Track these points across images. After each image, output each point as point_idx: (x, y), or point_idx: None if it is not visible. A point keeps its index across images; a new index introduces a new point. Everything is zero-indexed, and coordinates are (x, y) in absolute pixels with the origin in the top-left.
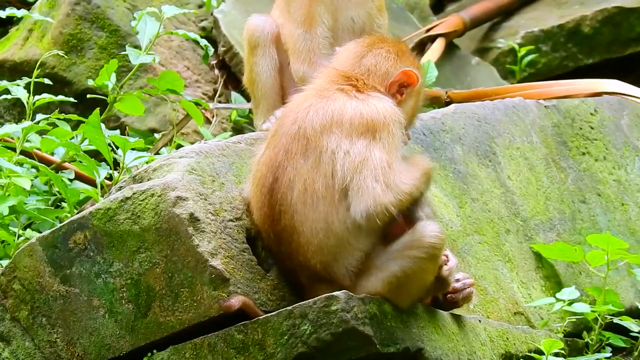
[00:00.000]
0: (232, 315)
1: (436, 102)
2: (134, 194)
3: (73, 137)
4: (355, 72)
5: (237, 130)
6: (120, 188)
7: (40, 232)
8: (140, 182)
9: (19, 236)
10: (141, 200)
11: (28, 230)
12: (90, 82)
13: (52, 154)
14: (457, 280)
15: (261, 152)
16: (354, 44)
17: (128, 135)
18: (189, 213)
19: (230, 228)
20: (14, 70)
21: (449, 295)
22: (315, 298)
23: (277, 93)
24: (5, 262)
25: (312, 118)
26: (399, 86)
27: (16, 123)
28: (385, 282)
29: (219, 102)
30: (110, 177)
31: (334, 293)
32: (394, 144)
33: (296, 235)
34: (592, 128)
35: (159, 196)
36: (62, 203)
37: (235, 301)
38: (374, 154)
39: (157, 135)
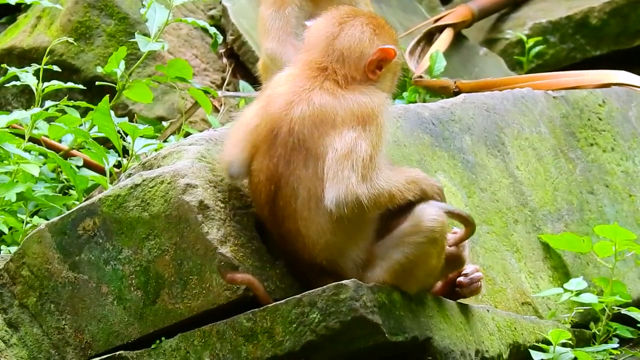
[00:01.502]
0: (241, 303)
1: (445, 92)
2: (143, 181)
3: (81, 124)
4: (330, 59)
5: None
6: (130, 175)
7: (47, 219)
8: (150, 169)
9: (26, 223)
10: (151, 188)
11: (35, 217)
12: (100, 70)
13: (60, 141)
14: (466, 275)
15: (238, 145)
16: (324, 21)
17: (137, 123)
18: (198, 200)
19: (240, 216)
20: (22, 57)
21: (455, 288)
22: (325, 286)
23: None
24: (13, 249)
25: (310, 129)
26: (376, 64)
27: (25, 110)
28: (390, 270)
29: (227, 90)
30: (118, 165)
31: (343, 282)
32: (381, 137)
33: (301, 237)
34: (600, 119)
35: (168, 183)
36: (70, 190)
37: (240, 276)
38: (360, 146)
39: (165, 123)
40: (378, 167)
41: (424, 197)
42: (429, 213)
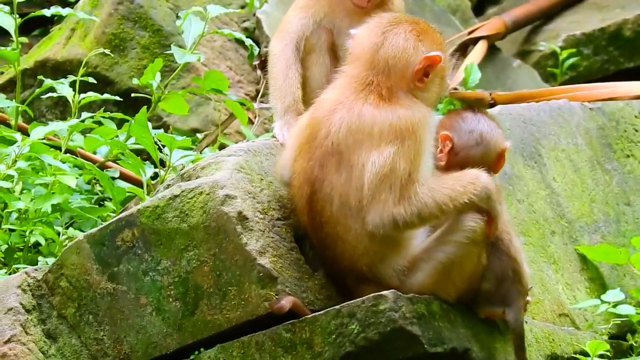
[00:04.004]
0: (280, 314)
1: (480, 104)
2: (182, 192)
3: (117, 136)
4: (376, 71)
5: None
6: (169, 186)
7: (82, 231)
8: (188, 180)
9: (61, 235)
10: (190, 199)
11: (70, 229)
12: (135, 81)
13: (94, 152)
14: None
15: (290, 152)
16: (368, 30)
17: (172, 135)
18: (237, 211)
19: (278, 227)
20: (56, 69)
21: None
22: (364, 297)
23: None
24: (50, 260)
25: (345, 134)
26: (423, 72)
27: (59, 121)
28: (432, 272)
29: (261, 102)
30: (154, 176)
31: (382, 292)
32: (420, 152)
33: (340, 242)
34: (636, 131)
35: (207, 194)
36: (105, 202)
37: (286, 302)
38: (398, 164)
39: (199, 135)
40: (417, 182)
41: (486, 200)
42: (471, 215)
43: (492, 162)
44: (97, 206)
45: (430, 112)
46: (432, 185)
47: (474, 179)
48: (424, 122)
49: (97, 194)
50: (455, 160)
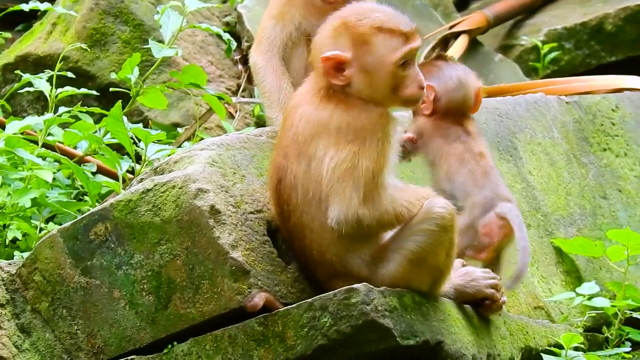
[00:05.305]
0: (254, 312)
1: None
2: (155, 185)
3: (96, 131)
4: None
5: (260, 125)
6: (142, 180)
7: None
8: (161, 174)
9: (41, 229)
10: (162, 192)
11: (50, 223)
12: (114, 76)
13: (75, 147)
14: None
15: None
16: (320, 35)
17: (151, 129)
18: (209, 205)
19: (251, 220)
20: (38, 64)
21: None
22: (336, 290)
23: None
24: (26, 255)
25: (304, 125)
26: (334, 71)
27: (39, 116)
28: (404, 262)
29: (243, 97)
30: (132, 170)
31: (354, 285)
32: (384, 153)
33: (308, 231)
34: (613, 124)
35: (180, 188)
36: (84, 197)
37: (259, 299)
38: (361, 163)
39: (180, 130)
40: (382, 186)
41: None
42: (438, 202)
43: (472, 102)
44: (75, 201)
45: (387, 110)
46: (393, 193)
47: (427, 195)
48: (385, 121)
49: (77, 188)
50: (438, 106)
